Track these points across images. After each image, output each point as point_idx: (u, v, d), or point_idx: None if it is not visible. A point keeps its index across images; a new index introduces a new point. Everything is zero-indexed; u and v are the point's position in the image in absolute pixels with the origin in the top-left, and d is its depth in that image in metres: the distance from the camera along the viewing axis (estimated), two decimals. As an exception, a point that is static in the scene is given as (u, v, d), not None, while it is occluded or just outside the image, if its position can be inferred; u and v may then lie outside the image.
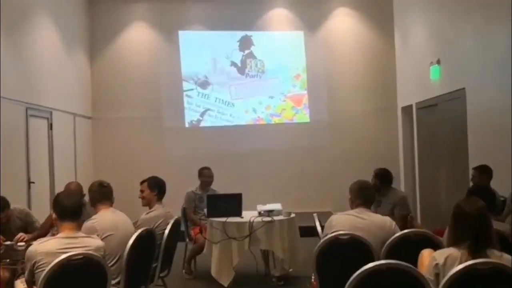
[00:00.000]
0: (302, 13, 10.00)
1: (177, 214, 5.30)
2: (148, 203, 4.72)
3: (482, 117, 6.16)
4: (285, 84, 10.04)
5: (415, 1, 8.77)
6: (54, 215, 3.30)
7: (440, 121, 7.59)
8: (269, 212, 5.43)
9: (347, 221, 3.65)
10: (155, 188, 4.72)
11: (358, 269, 2.64)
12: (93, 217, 3.83)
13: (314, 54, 9.96)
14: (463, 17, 6.75)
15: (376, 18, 9.94)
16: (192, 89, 9.99)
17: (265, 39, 10.08)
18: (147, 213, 4.56)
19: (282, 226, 5.37)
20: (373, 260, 2.92)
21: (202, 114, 10.01)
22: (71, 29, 9.00)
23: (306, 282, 5.00)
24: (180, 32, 9.99)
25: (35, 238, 3.90)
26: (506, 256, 2.63)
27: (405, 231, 3.56)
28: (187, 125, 9.98)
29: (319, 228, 4.51)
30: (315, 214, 4.85)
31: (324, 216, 4.29)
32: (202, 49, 10.00)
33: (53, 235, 3.83)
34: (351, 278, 2.62)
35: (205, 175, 6.38)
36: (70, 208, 3.22)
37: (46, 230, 4.48)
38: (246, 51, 10.02)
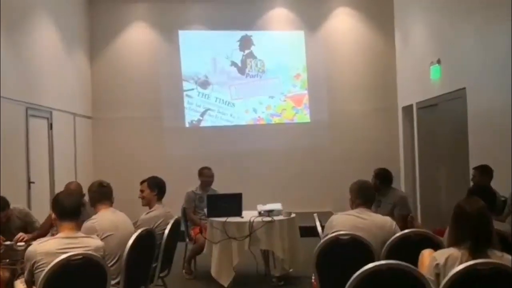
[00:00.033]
0: (302, 12, 9.99)
1: (177, 214, 5.29)
2: (148, 203, 4.71)
3: (482, 117, 6.15)
4: (285, 84, 10.03)
5: (416, 1, 8.76)
6: (53, 215, 3.29)
7: (441, 121, 7.58)
8: (269, 212, 5.43)
9: (348, 221, 3.64)
10: (155, 188, 4.71)
11: (358, 269, 2.63)
12: (93, 217, 3.82)
13: (315, 54, 9.96)
14: (463, 17, 6.74)
15: (377, 18, 9.94)
16: (192, 89, 9.98)
17: (265, 39, 10.08)
18: (147, 213, 4.55)
19: (282, 226, 5.37)
20: (373, 260, 2.92)
21: (202, 114, 10.00)
22: (71, 29, 9.00)
23: (306, 282, 4.99)
24: (180, 32, 9.99)
25: (34, 238, 3.90)
26: (507, 256, 2.62)
27: (406, 231, 3.55)
28: (187, 125, 9.98)
29: (319, 228, 4.50)
30: (315, 214, 4.84)
31: (325, 216, 4.28)
32: (202, 49, 10.00)
33: (53, 235, 3.82)
34: (352, 278, 2.61)
35: (205, 175, 6.38)
36: (70, 208, 3.21)
37: (46, 230, 4.48)
38: (246, 51, 10.02)
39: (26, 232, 4.38)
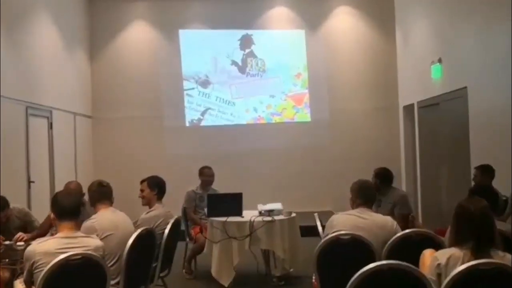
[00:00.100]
0: (303, 11, 9.98)
1: (177, 213, 5.28)
2: (148, 203, 4.70)
3: (484, 116, 6.13)
4: (286, 83, 10.02)
5: (416, 0, 8.75)
6: (52, 215, 3.28)
7: (442, 120, 7.56)
8: (270, 212, 5.41)
9: (348, 221, 3.63)
10: (155, 187, 4.70)
11: (359, 269, 2.62)
12: (93, 216, 3.81)
13: (315, 53, 9.94)
14: (464, 16, 6.73)
15: (377, 16, 9.92)
16: (192, 88, 9.97)
17: (266, 38, 10.06)
18: (147, 213, 4.54)
19: (282, 226, 5.35)
20: (374, 260, 2.91)
21: (203, 113, 9.99)
22: (71, 28, 8.98)
23: (307, 282, 4.97)
24: (181, 31, 9.97)
25: (34, 238, 3.88)
26: (509, 256, 2.60)
27: (407, 231, 3.54)
28: (187, 124, 9.96)
29: (320, 228, 4.49)
30: (316, 214, 4.83)
31: (325, 216, 4.27)
32: (203, 48, 9.98)
33: (52, 235, 3.81)
34: (352, 278, 2.60)
35: (206, 174, 6.36)
36: (69, 208, 3.20)
37: (46, 229, 4.46)
38: (247, 50, 10.00)
39: (25, 231, 4.37)
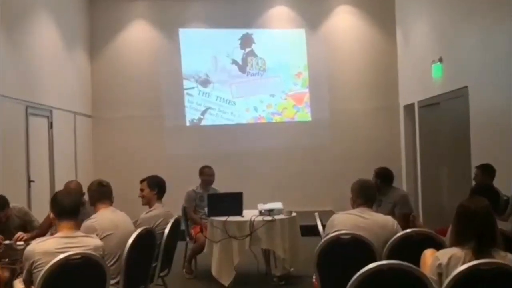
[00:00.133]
0: (303, 11, 9.96)
1: (177, 213, 5.27)
2: (148, 202, 4.69)
3: (485, 116, 6.12)
4: (286, 82, 10.01)
5: (417, -1, 8.74)
6: (51, 215, 3.27)
7: (443, 120, 7.55)
8: (270, 211, 5.40)
9: (349, 220, 3.62)
10: (155, 187, 4.69)
11: (359, 269, 2.61)
12: (93, 216, 3.80)
13: (316, 52, 9.93)
14: (464, 16, 6.72)
15: (378, 16, 9.91)
16: (193, 88, 9.96)
17: (266, 37, 10.05)
18: (147, 212, 4.53)
19: (283, 225, 5.34)
20: (375, 260, 2.90)
21: (203, 113, 9.98)
22: (71, 27, 8.98)
23: (307, 282, 4.97)
24: (181, 30, 9.96)
25: (34, 237, 3.87)
26: (510, 256, 2.59)
27: (407, 230, 3.53)
28: (188, 124, 9.95)
29: (320, 228, 4.48)
30: (316, 213, 4.82)
31: (325, 215, 4.26)
32: (203, 47, 9.97)
33: (52, 234, 3.80)
34: (353, 278, 2.59)
35: (206, 174, 6.35)
36: (68, 208, 3.19)
37: (45, 229, 4.45)
38: (247, 49, 9.99)
39: (25, 231, 4.37)
